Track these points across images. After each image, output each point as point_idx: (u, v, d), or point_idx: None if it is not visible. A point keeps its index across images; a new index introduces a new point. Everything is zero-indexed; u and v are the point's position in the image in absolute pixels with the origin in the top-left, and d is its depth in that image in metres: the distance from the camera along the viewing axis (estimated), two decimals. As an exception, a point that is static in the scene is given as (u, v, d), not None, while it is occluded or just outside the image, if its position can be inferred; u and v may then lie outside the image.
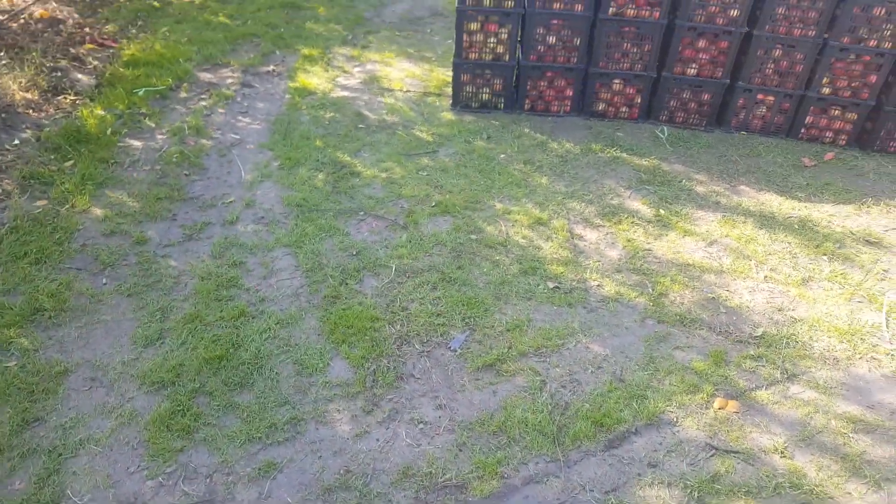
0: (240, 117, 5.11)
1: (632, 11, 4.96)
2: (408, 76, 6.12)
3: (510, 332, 3.28)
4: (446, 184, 4.43)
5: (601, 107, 5.40)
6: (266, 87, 5.71)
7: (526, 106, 5.46)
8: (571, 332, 3.31)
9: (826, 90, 5.05)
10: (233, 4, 7.51)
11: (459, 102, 5.49)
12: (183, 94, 5.39)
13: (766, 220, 4.29)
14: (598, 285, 3.64)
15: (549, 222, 4.10)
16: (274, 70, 6.07)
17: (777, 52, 4.98)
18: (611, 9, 4.96)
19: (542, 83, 5.36)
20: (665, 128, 5.29)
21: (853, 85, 5.00)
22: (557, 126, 5.34)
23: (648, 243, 4.01)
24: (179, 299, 3.28)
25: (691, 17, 4.91)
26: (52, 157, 4.15)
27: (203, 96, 5.41)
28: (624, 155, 4.93)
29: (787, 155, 5.09)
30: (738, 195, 4.56)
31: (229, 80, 5.74)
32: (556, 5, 5.03)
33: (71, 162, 4.15)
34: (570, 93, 5.38)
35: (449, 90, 5.87)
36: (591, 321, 3.39)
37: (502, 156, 4.84)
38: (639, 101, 5.32)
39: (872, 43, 4.80)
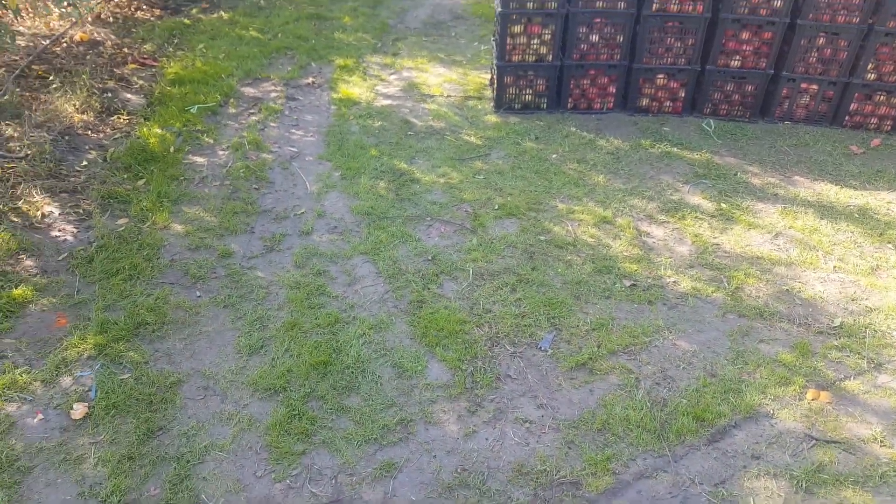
0: (293, 130, 5.17)
1: (675, 6, 5.01)
2: (445, 81, 6.18)
3: (596, 331, 3.32)
4: (505, 186, 4.48)
5: (645, 102, 5.45)
6: (310, 100, 5.76)
7: (569, 105, 5.51)
8: (657, 329, 3.35)
9: (871, 76, 5.09)
10: (260, 18, 7.57)
11: (503, 104, 5.54)
12: (232, 110, 5.45)
13: (826, 210, 4.34)
14: (674, 282, 3.68)
15: (613, 220, 4.15)
16: (313, 82, 6.13)
17: (820, 41, 5.03)
18: (654, 4, 5.01)
19: (585, 81, 5.41)
20: (711, 121, 5.33)
21: (898, 70, 5.04)
22: (602, 123, 5.39)
23: (715, 238, 4.06)
24: (274, 308, 3.34)
25: (734, 9, 4.96)
26: (125, 176, 4.21)
27: (252, 111, 5.46)
28: (674, 150, 4.98)
29: (834, 143, 5.13)
30: (793, 186, 4.60)
31: (273, 94, 5.80)
32: (599, 3, 5.08)
33: (143, 181, 4.21)
34: (612, 90, 5.43)
35: (487, 93, 5.93)
36: (673, 318, 3.44)
37: (554, 156, 4.89)
38: (682, 94, 5.37)
39: (917, 27, 4.84)
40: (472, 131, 5.25)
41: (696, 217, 4.23)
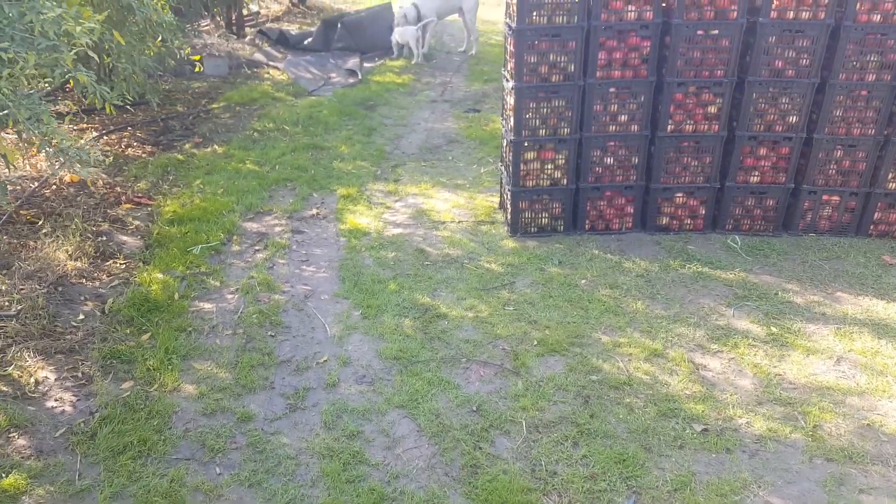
0: (303, 266, 4.86)
1: (690, 126, 4.97)
2: (453, 206, 6.01)
3: (678, 491, 2.91)
4: (540, 318, 4.17)
5: (665, 221, 5.30)
6: (317, 232, 5.51)
7: (587, 226, 5.34)
8: (744, 485, 2.95)
9: (892, 185, 5.04)
10: (255, 151, 7.46)
11: (518, 229, 5.34)
12: (236, 247, 5.15)
13: (881, 329, 4.09)
14: (747, 423, 3.32)
15: (664, 353, 3.83)
16: (318, 213, 5.91)
17: (838, 153, 4.99)
18: (669, 126, 4.97)
19: (602, 203, 5.27)
20: (736, 237, 5.17)
21: (918, 179, 5.00)
22: (624, 244, 5.20)
23: (775, 367, 3.74)
24: (307, 485, 2.87)
25: (750, 127, 4.93)
26: (127, 331, 3.80)
27: (257, 247, 5.17)
28: (706, 269, 4.76)
29: (866, 255, 4.98)
30: (838, 303, 4.37)
31: (278, 229, 5.54)
32: (612, 128, 5.03)
33: (148, 335, 3.80)
34: (630, 210, 5.29)
35: (499, 216, 5.76)
36: (757, 468, 3.04)
37: (583, 281, 4.63)
38: (703, 211, 5.24)
39: (932, 137, 4.84)
40: (492, 258, 5.00)
41: (749, 344, 3.93)
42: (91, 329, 3.78)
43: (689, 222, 5.30)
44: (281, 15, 16.56)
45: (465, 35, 13.36)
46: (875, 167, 5.02)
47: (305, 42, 13.00)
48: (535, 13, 4.68)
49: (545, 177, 5.17)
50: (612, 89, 4.91)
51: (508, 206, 5.36)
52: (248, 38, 13.02)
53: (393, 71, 11.67)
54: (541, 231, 5.35)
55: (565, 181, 5.17)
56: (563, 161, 5.11)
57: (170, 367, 3.54)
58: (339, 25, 12.89)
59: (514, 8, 4.72)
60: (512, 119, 5.08)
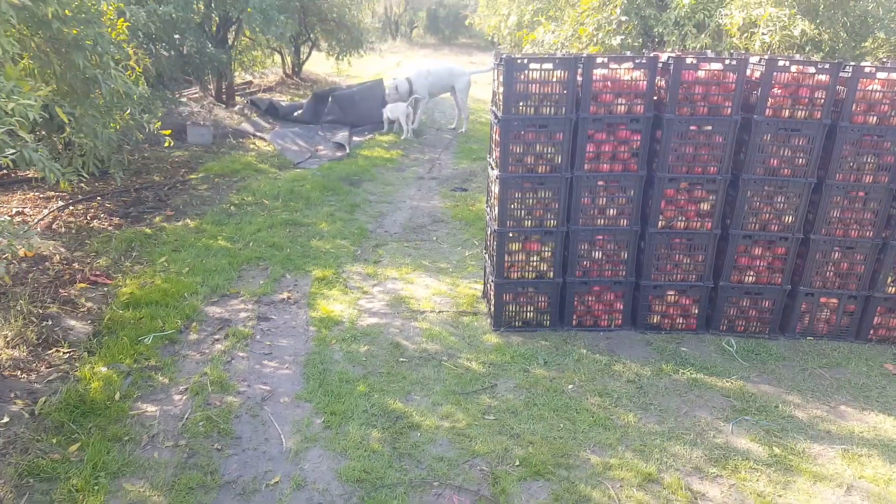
0: (265, 361, 4.48)
1: (682, 223, 4.75)
2: (434, 293, 5.69)
3: None
4: (522, 431, 3.78)
5: (656, 319, 5.00)
6: (285, 319, 5.15)
7: (574, 321, 5.03)
8: None
9: (892, 289, 4.80)
10: (230, 226, 7.17)
11: (502, 323, 5.01)
12: (194, 336, 4.77)
13: (892, 452, 3.74)
14: (754, 567, 2.92)
15: (659, 478, 3.44)
16: (289, 297, 5.56)
17: (836, 255, 4.77)
18: (660, 221, 4.74)
19: (590, 298, 4.98)
20: (732, 339, 4.87)
21: (919, 284, 4.77)
22: (613, 342, 4.88)
23: (780, 496, 3.36)
24: None
25: (745, 225, 4.72)
26: (54, 440, 3.36)
27: (217, 336, 4.79)
28: (701, 376, 4.43)
29: (868, 363, 4.68)
30: (843, 419, 4.04)
31: (243, 314, 5.18)
32: (601, 221, 4.79)
33: (77, 445, 3.37)
34: (620, 306, 4.99)
35: (482, 307, 5.44)
36: None
37: (570, 386, 4.27)
38: (696, 311, 4.96)
39: (933, 242, 4.64)
40: (472, 355, 4.64)
41: (750, 468, 3.56)
42: (13, 436, 3.34)
43: (681, 321, 5.00)
44: (274, 85, 16.66)
45: (455, 113, 13.44)
46: (874, 270, 4.79)
47: (295, 114, 12.99)
48: (521, 103, 4.51)
49: (531, 269, 4.90)
50: (600, 182, 4.70)
51: (492, 297, 5.06)
52: (238, 106, 13.00)
53: (382, 146, 11.60)
54: (525, 325, 5.03)
55: (552, 274, 4.89)
56: (550, 253, 4.85)
57: (96, 488, 3.09)
58: (329, 99, 12.91)
59: (501, 97, 4.55)
60: (496, 208, 4.84)
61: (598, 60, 4.45)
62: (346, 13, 16.03)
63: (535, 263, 4.88)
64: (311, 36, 17.08)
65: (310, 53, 18.31)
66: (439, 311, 5.32)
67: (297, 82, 17.53)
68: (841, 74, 4.37)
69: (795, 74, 4.34)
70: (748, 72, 4.49)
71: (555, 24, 7.23)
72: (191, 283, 5.59)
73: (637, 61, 4.45)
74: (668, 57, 4.44)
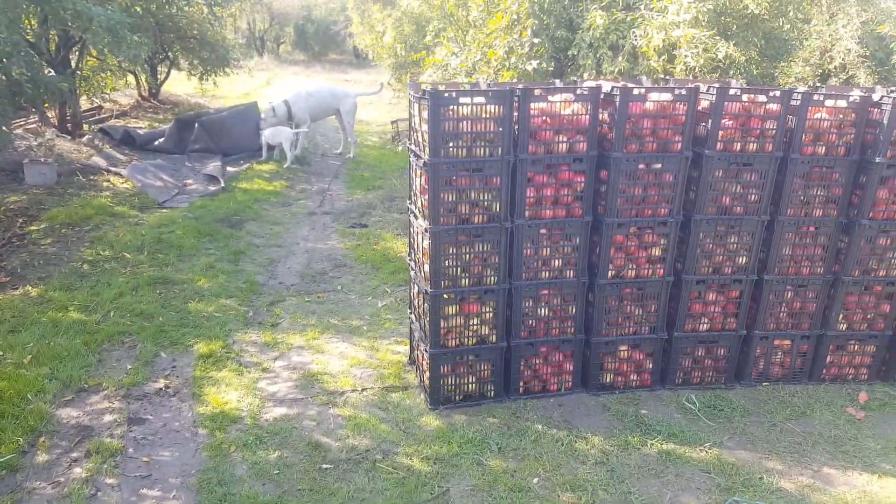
0: (143, 490, 3.42)
1: (632, 272, 4.24)
2: (352, 364, 4.83)
3: None
4: (492, 557, 3.04)
5: (609, 378, 4.46)
6: (165, 420, 4.08)
7: (521, 389, 4.38)
8: None
9: (843, 326, 4.56)
10: (83, 291, 5.88)
11: (440, 400, 4.25)
12: (42, 457, 3.61)
13: (894, 520, 3.39)
14: None
15: None
16: (167, 386, 4.48)
17: (788, 294, 4.46)
18: (609, 272, 4.20)
19: (537, 360, 4.36)
20: (692, 395, 4.42)
21: (868, 317, 4.56)
22: (567, 410, 4.27)
23: None
24: None
25: (697, 269, 4.29)
26: None
27: (74, 454, 3.66)
28: (672, 446, 3.91)
29: (830, 408, 4.40)
30: (831, 485, 3.66)
31: (108, 417, 4.05)
32: (545, 274, 4.18)
33: None
34: (570, 367, 4.41)
35: (411, 377, 4.66)
36: None
37: (535, 480, 3.59)
38: (650, 365, 4.47)
39: (882, 273, 4.44)
40: (412, 448, 3.84)
41: (761, 569, 3.05)
42: None
43: (635, 378, 4.49)
44: (128, 109, 14.86)
45: (341, 136, 12.53)
46: (825, 307, 4.53)
47: (156, 142, 11.50)
48: (451, 144, 3.80)
49: (470, 334, 4.18)
50: (542, 230, 4.09)
51: (426, 370, 4.29)
52: (87, 137, 11.30)
53: (262, 176, 10.46)
54: (467, 399, 4.30)
55: (494, 338, 4.21)
56: (491, 314, 4.16)
57: None
58: (196, 124, 11.56)
59: (426, 137, 3.82)
60: (426, 266, 4.09)
61: (536, 92, 3.84)
62: (207, 30, 14.65)
63: (475, 327, 4.18)
64: (170, 54, 15.48)
65: (168, 73, 16.63)
66: (362, 390, 4.47)
67: (156, 105, 15.82)
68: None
69: (746, 104, 3.96)
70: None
71: (456, 46, 6.61)
72: (35, 378, 4.37)
73: (578, 93, 3.88)
74: (613, 87, 3.91)
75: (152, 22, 12.47)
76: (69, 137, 11.03)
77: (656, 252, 4.20)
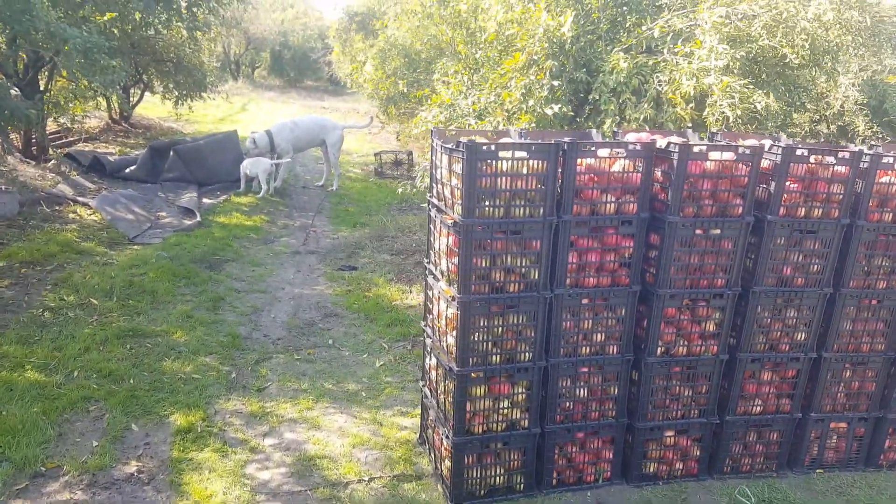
0: None
1: (683, 348, 3.75)
2: (353, 443, 4.23)
3: None
4: None
5: (652, 467, 3.94)
6: (140, 521, 3.43)
7: (553, 480, 3.82)
8: None
9: (904, 409, 4.14)
10: (43, 345, 5.19)
11: (463, 496, 3.67)
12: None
13: None
14: None
15: None
16: (139, 471, 3.83)
17: (847, 373, 4.02)
18: (659, 348, 3.71)
19: (573, 447, 3.82)
20: (746, 489, 3.92)
21: (930, 400, 4.15)
22: (604, 506, 3.74)
23: None
24: None
25: (752, 346, 3.82)
26: None
27: (26, 580, 2.99)
28: (735, 556, 3.40)
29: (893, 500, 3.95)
30: None
31: (70, 519, 3.39)
32: (585, 349, 3.67)
33: None
34: (609, 455, 3.88)
35: (423, 462, 4.09)
36: None
37: None
38: (697, 452, 3.97)
39: (947, 353, 4.04)
40: (431, 559, 3.26)
41: None
42: None
43: (680, 467, 3.98)
44: (98, 133, 14.07)
45: (324, 168, 11.97)
46: (884, 387, 4.10)
47: (127, 170, 10.79)
48: (487, 203, 3.29)
49: (499, 419, 3.64)
50: (584, 300, 3.58)
51: (445, 457, 3.72)
52: (52, 162, 10.54)
53: (241, 210, 9.82)
54: (492, 493, 3.73)
55: (526, 422, 3.67)
56: (523, 396, 3.63)
57: None
58: (171, 152, 10.90)
59: (457, 193, 3.31)
60: (451, 338, 3.55)
61: (585, 147, 3.37)
62: (184, 53, 14.05)
63: (504, 411, 3.63)
64: (144, 77, 14.82)
65: (141, 96, 15.92)
66: (369, 479, 3.86)
67: (127, 129, 15.08)
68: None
69: (813, 165, 3.55)
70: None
71: (464, 85, 6.16)
72: (-20, 463, 3.68)
73: (630, 148, 3.42)
74: (669, 143, 3.46)
75: (128, 44, 11.85)
76: (33, 163, 10.27)
77: (710, 327, 3.73)
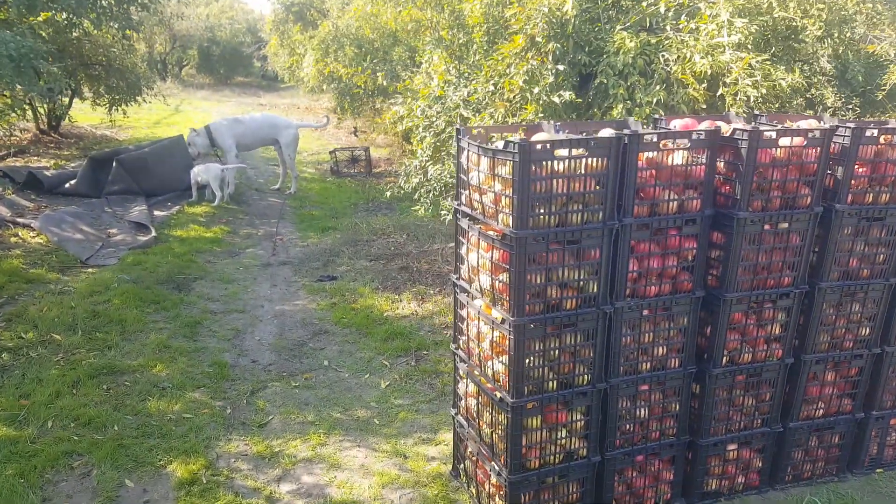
0: None
1: (747, 355, 3.44)
2: (382, 483, 3.77)
3: None
4: None
5: (713, 484, 3.63)
6: None
7: (612, 510, 3.47)
8: None
9: (960, 398, 3.95)
10: (8, 393, 4.53)
11: (520, 538, 3.28)
12: None
13: None
14: None
15: None
16: (146, 543, 3.28)
17: (905, 367, 3.80)
18: (724, 357, 3.38)
19: (632, 472, 3.47)
20: (815, 500, 3.65)
21: None
22: (671, 533, 3.41)
23: None
24: None
25: (817, 346, 3.54)
26: None
27: None
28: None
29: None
30: None
31: None
32: (645, 365, 3.31)
33: None
34: (669, 476, 3.55)
35: (460, 497, 3.68)
36: None
37: None
38: (759, 464, 3.68)
39: None
40: None
41: None
42: None
43: (741, 480, 3.69)
44: (27, 145, 12.91)
45: (280, 171, 11.29)
46: (942, 377, 3.91)
47: (67, 185, 9.87)
48: (542, 210, 2.88)
49: (556, 450, 3.24)
50: (645, 311, 3.22)
51: (496, 498, 3.31)
52: (-19, 180, 9.56)
53: (198, 221, 9.09)
54: (548, 533, 3.34)
55: (585, 451, 3.29)
56: (581, 423, 3.25)
57: None
58: (113, 163, 10.03)
59: (506, 201, 2.88)
60: (498, 365, 3.13)
61: (646, 139, 2.99)
62: (115, 56, 13.05)
63: (562, 441, 3.24)
64: (71, 83, 13.70)
65: (70, 103, 14.73)
66: (413, 528, 3.42)
67: (58, 140, 13.95)
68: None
69: (882, 146, 3.27)
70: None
71: (450, 74, 5.69)
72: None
73: (694, 137, 3.06)
74: (735, 129, 3.12)
75: (54, 48, 10.84)
76: (-41, 183, 9.27)
77: (775, 329, 3.42)
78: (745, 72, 4.54)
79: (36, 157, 12.15)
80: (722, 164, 3.20)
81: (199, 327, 5.81)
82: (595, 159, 2.89)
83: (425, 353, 5.50)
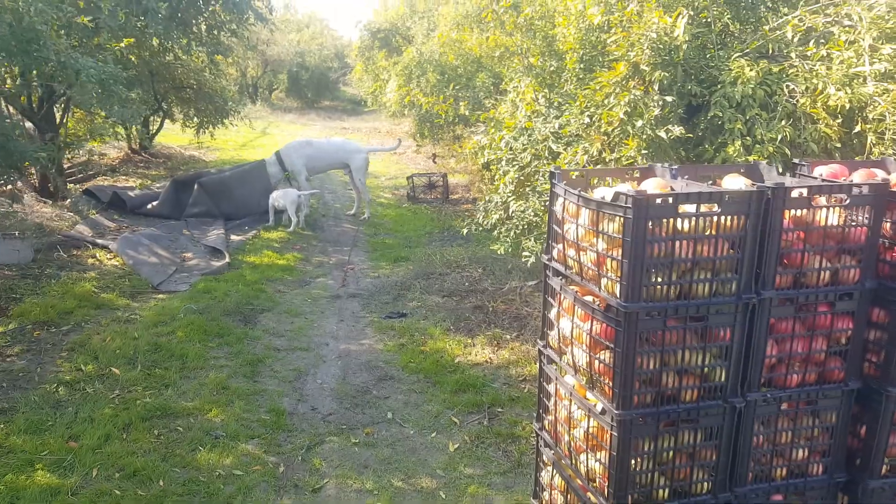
0: None
1: (915, 463, 2.70)
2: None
3: None
4: None
5: None
6: None
7: None
8: None
9: None
10: (57, 433, 4.29)
11: None
12: None
13: None
14: None
15: None
16: None
17: None
18: (884, 466, 2.66)
19: None
20: None
21: None
22: None
23: None
24: None
25: None
26: None
27: None
28: None
29: None
30: None
31: None
32: (780, 472, 2.65)
33: None
34: None
35: None
36: None
37: None
38: None
39: None
40: None
41: None
42: None
43: None
44: (117, 164, 13.31)
45: (355, 195, 11.09)
46: None
47: (149, 206, 9.98)
48: (659, 278, 2.30)
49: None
50: (784, 406, 2.56)
51: None
52: (70, 199, 9.76)
53: (272, 247, 8.92)
54: None
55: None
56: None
57: None
58: (195, 186, 10.09)
59: (612, 265, 2.32)
60: (593, 462, 2.54)
61: (794, 194, 2.36)
62: (204, 79, 13.34)
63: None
64: (163, 105, 14.10)
65: (161, 125, 15.17)
66: None
67: (147, 160, 14.34)
68: None
69: None
70: None
71: (539, 104, 5.19)
72: None
73: (856, 192, 2.41)
74: (909, 184, 2.45)
75: (146, 72, 11.11)
76: (50, 202, 9.49)
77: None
78: (895, 105, 3.81)
79: (125, 177, 12.47)
80: (888, 224, 2.53)
81: (260, 366, 5.48)
82: (729, 217, 2.29)
83: (500, 410, 4.94)
